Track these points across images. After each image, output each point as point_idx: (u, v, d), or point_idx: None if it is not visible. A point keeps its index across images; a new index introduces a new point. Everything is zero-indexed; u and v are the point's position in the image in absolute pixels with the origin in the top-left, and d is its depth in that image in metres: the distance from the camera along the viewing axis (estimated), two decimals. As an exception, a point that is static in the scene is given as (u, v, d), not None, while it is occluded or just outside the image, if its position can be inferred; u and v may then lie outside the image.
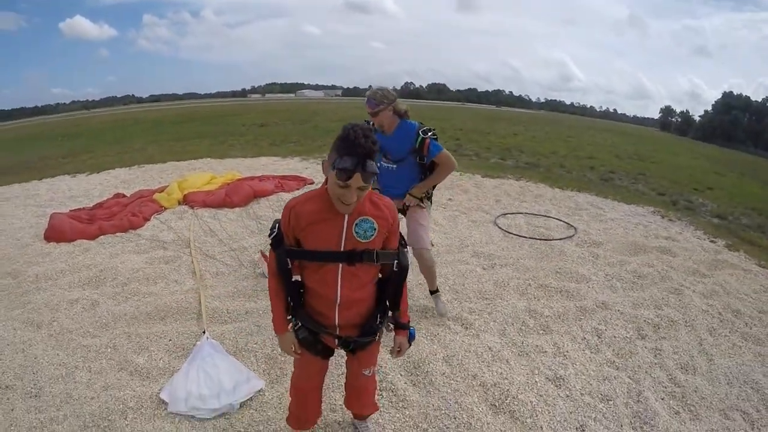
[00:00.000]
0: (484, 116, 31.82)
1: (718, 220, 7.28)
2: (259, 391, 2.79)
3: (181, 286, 4.19)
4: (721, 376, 3.12)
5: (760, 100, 76.31)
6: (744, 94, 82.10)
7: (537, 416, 2.64)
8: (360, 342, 1.96)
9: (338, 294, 1.81)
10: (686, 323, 3.74)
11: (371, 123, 3.27)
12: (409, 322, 2.00)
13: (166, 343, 3.32)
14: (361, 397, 2.28)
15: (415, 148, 3.18)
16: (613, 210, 7.09)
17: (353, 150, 1.57)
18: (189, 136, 16.80)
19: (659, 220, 6.71)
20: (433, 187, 3.52)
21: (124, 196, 7.07)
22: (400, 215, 3.58)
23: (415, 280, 4.16)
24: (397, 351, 2.01)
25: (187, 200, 6.58)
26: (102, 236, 5.44)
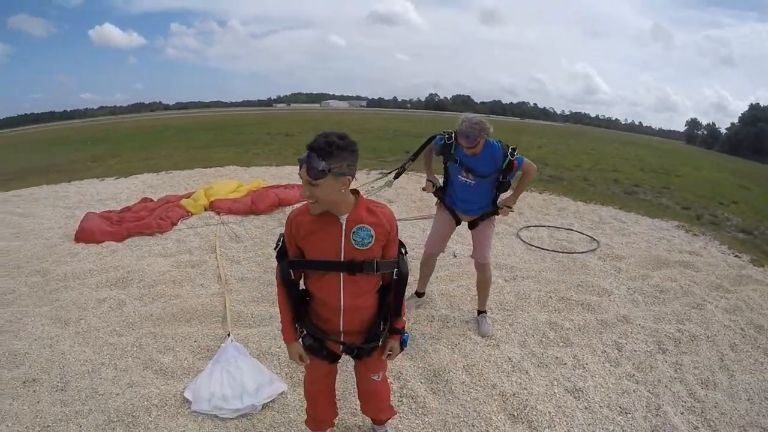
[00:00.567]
0: (508, 128, 31.66)
1: (743, 235, 7.13)
2: (282, 393, 2.84)
3: (207, 289, 4.28)
4: (741, 392, 3.08)
5: (788, 111, 74.46)
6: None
7: (555, 427, 2.65)
8: (364, 348, 2.00)
9: (341, 301, 1.86)
10: (708, 338, 3.69)
11: (446, 141, 3.32)
12: (403, 328, 2.03)
13: (191, 344, 3.40)
14: (373, 401, 2.32)
15: (502, 168, 3.23)
16: (636, 224, 7.02)
17: (309, 145, 1.66)
18: (215, 144, 17.05)
19: (683, 235, 6.62)
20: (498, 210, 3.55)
21: (151, 200, 7.25)
22: (464, 227, 3.70)
23: (438, 290, 4.22)
24: (387, 354, 2.04)
25: (214, 207, 6.71)
26: (129, 239, 5.60)
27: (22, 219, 6.86)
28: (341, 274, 1.82)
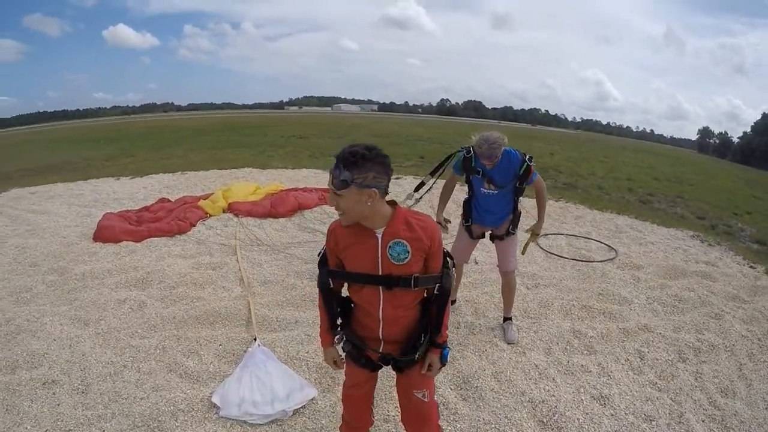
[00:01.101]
0: (520, 135, 31.63)
1: (757, 246, 7.09)
2: (312, 399, 2.82)
3: (230, 292, 4.28)
4: (759, 400, 3.10)
5: (801, 120, 73.81)
6: (785, 114, 79.40)
7: (583, 433, 2.67)
8: (402, 360, 1.96)
9: (380, 312, 1.84)
10: (726, 348, 3.70)
11: (466, 154, 3.39)
12: (445, 342, 1.96)
13: (216, 347, 3.38)
14: (419, 423, 2.15)
15: (519, 174, 3.30)
16: (652, 233, 7.01)
17: (336, 156, 1.65)
18: (229, 145, 17.13)
19: (698, 245, 6.59)
20: (520, 211, 3.62)
21: (169, 201, 7.29)
22: (488, 239, 3.76)
23: (462, 297, 4.23)
24: (427, 368, 1.97)
25: (232, 209, 6.73)
26: (148, 239, 5.61)
27: (38, 216, 6.89)
28: (380, 287, 1.80)
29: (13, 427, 2.58)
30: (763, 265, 5.84)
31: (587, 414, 2.83)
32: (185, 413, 2.69)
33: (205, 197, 7.25)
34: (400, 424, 2.51)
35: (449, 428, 2.65)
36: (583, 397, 2.99)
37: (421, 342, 1.93)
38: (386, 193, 1.72)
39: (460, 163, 3.44)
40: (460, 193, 3.98)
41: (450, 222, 3.74)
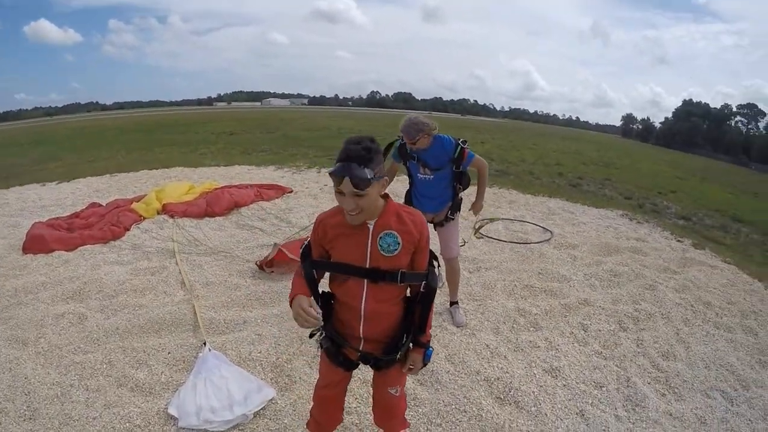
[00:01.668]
0: (450, 125, 32.19)
1: (683, 222, 7.68)
2: (271, 399, 2.77)
3: (172, 297, 4.12)
4: (698, 361, 3.40)
5: (718, 107, 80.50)
6: (703, 102, 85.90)
7: (540, 405, 2.82)
8: (381, 360, 1.92)
9: (363, 306, 1.80)
10: (662, 315, 4.01)
11: (401, 141, 3.43)
12: (428, 342, 1.95)
13: (165, 356, 3.23)
14: (389, 415, 2.20)
15: (454, 157, 3.36)
16: (584, 214, 7.40)
17: (343, 155, 1.60)
18: (158, 145, 16.47)
19: (628, 223, 7.04)
20: (461, 198, 3.66)
21: (100, 205, 6.87)
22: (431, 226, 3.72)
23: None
24: (409, 368, 1.96)
25: (167, 210, 6.47)
26: (81, 247, 5.28)
27: (-42, 231, 6.29)
28: (365, 279, 1.77)
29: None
30: (689, 239, 6.36)
31: (541, 387, 2.99)
32: (142, 428, 2.55)
33: (138, 199, 6.91)
34: (363, 416, 2.56)
35: (412, 413, 2.68)
36: (535, 371, 3.14)
37: (403, 342, 1.91)
38: None
39: (396, 150, 3.51)
40: (403, 186, 4.03)
41: None
